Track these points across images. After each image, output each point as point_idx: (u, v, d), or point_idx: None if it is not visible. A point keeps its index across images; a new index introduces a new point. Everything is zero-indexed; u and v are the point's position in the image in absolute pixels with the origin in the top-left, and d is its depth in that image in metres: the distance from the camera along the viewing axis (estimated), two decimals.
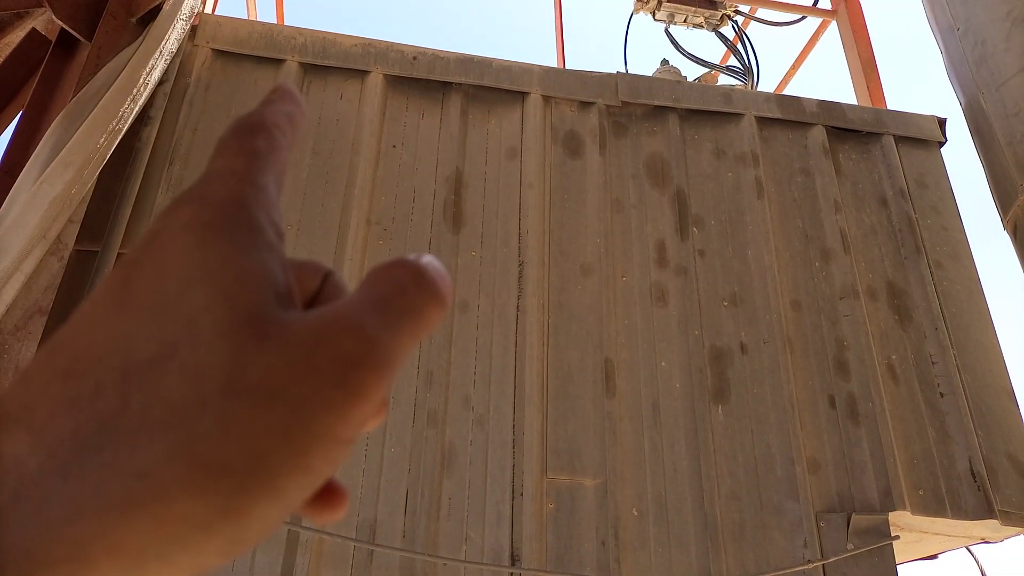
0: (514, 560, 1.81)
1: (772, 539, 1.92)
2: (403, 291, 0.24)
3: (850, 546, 1.90)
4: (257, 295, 0.22)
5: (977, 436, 2.11)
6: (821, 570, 1.88)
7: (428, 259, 0.26)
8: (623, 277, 2.29)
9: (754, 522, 1.94)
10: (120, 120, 2.03)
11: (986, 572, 2.50)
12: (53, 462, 0.20)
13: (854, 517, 1.93)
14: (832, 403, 2.14)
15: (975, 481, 2.03)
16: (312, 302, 0.30)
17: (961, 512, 1.99)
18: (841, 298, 2.30)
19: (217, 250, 0.23)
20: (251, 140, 0.27)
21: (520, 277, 2.21)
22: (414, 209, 2.26)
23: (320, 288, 0.30)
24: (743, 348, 2.20)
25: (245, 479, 0.20)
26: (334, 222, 2.19)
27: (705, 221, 2.42)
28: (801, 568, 1.87)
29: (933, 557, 2.49)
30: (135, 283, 0.22)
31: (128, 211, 2.09)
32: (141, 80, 2.08)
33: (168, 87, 2.28)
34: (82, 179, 1.94)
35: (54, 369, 0.21)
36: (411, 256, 0.26)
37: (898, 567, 2.60)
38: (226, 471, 0.20)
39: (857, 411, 2.12)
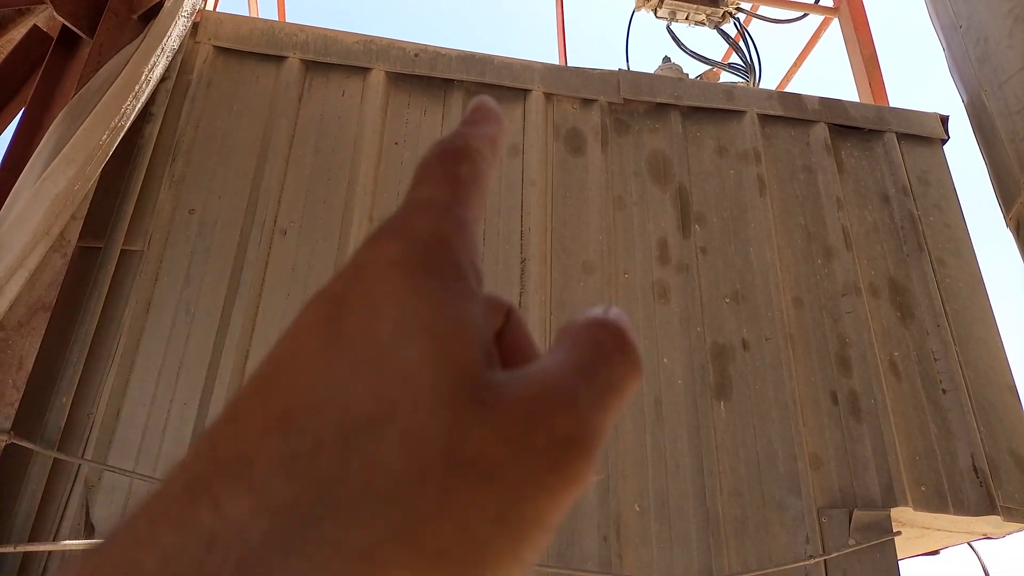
0: None
1: (774, 535, 1.93)
2: (607, 359, 0.23)
3: (852, 542, 1.90)
4: (470, 353, 0.21)
5: (979, 432, 2.11)
6: (823, 566, 1.88)
7: (623, 317, 0.25)
8: (625, 274, 2.29)
9: (756, 518, 1.95)
10: (122, 117, 2.03)
11: (988, 568, 2.50)
12: (277, 532, 0.18)
13: (856, 513, 1.94)
14: (834, 399, 2.14)
15: (977, 477, 2.03)
16: (497, 341, 0.28)
17: (963, 508, 1.99)
18: (843, 295, 2.31)
19: (429, 297, 0.21)
20: (455, 167, 0.26)
21: (522, 274, 2.21)
22: None
23: (503, 326, 0.29)
24: (745, 345, 2.20)
25: (463, 568, 0.18)
26: (336, 219, 2.19)
27: (707, 218, 2.42)
28: (803, 564, 1.87)
29: (935, 553, 2.49)
30: (345, 322, 0.21)
31: (131, 208, 2.09)
32: (143, 77, 2.08)
33: (170, 84, 2.28)
34: (85, 176, 1.95)
35: (268, 415, 0.20)
36: (608, 312, 0.24)
37: (900, 563, 2.61)
38: (446, 557, 0.18)
39: (859, 407, 2.12)
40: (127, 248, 2.06)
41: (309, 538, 0.18)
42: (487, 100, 0.32)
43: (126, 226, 2.07)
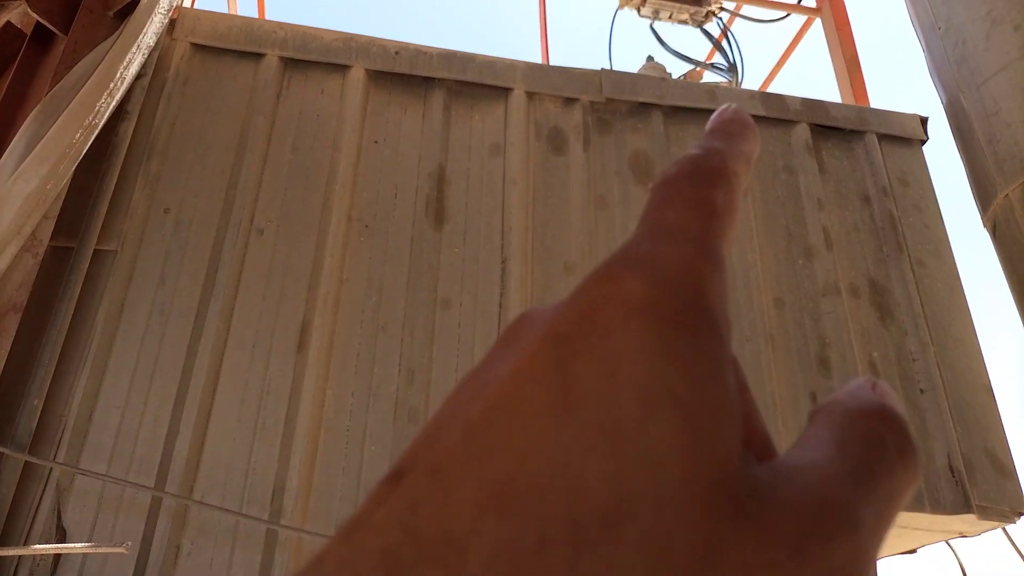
0: None
1: None
2: (891, 466, 0.19)
3: None
4: (729, 442, 0.17)
5: (956, 432, 2.12)
6: None
7: (894, 399, 0.21)
8: None
9: None
10: (96, 115, 2.00)
11: (964, 566, 2.52)
12: None
13: None
14: (814, 400, 2.15)
15: (953, 476, 2.05)
16: None
17: (939, 507, 2.00)
18: (824, 295, 2.31)
19: (681, 361, 0.17)
20: (710, 191, 0.22)
21: (503, 274, 2.20)
22: (396, 205, 2.24)
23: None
24: None
25: None
26: (314, 219, 2.17)
27: None
28: None
29: (912, 552, 2.51)
30: (576, 378, 0.17)
31: (104, 207, 2.06)
32: (118, 74, 2.05)
33: (146, 81, 2.25)
34: (58, 174, 1.92)
35: (484, 487, 0.16)
36: (879, 392, 0.21)
37: (879, 562, 2.63)
38: None
39: None
40: (100, 248, 2.03)
41: None
42: (742, 111, 0.27)
43: (99, 226, 2.04)
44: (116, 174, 2.11)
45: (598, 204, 2.39)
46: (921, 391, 2.20)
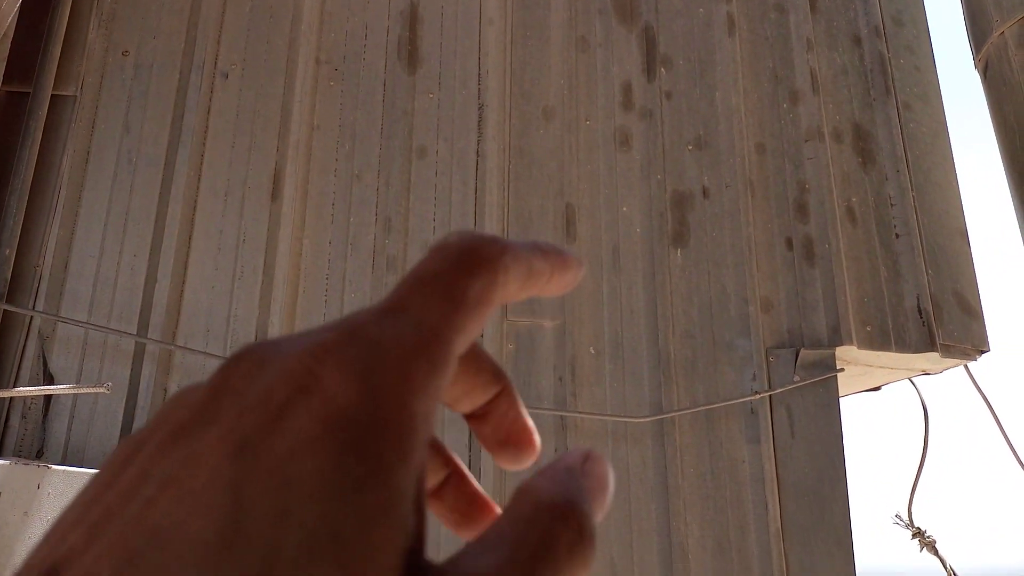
0: None
1: (722, 373, 2.00)
2: (556, 569, 0.19)
3: (796, 378, 1.99)
4: None
5: (927, 275, 2.16)
6: (767, 400, 1.98)
7: (596, 484, 0.22)
8: (587, 121, 2.22)
9: (706, 358, 2.02)
10: None
11: (925, 401, 2.65)
12: None
13: (802, 352, 2.01)
14: (789, 245, 2.16)
15: (920, 317, 2.11)
16: (440, 494, 0.27)
17: (905, 346, 2.07)
18: (806, 140, 2.27)
19: (357, 506, 0.17)
20: (469, 281, 0.21)
21: (480, 121, 2.14)
22: (366, 47, 2.14)
23: (447, 479, 0.27)
24: (705, 192, 2.19)
25: None
26: (280, 61, 2.07)
27: (673, 61, 2.32)
28: (748, 399, 1.96)
29: (877, 389, 2.63)
30: (248, 512, 0.16)
31: (57, 49, 1.95)
32: None
33: None
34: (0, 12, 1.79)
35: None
36: (589, 485, 0.21)
37: (843, 399, 2.76)
38: None
39: (813, 253, 2.15)
40: (58, 93, 1.94)
41: None
42: (565, 251, 0.27)
43: (54, 69, 1.94)
44: (66, 13, 1.98)
45: (579, 45, 2.29)
46: (896, 235, 2.21)
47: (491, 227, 2.04)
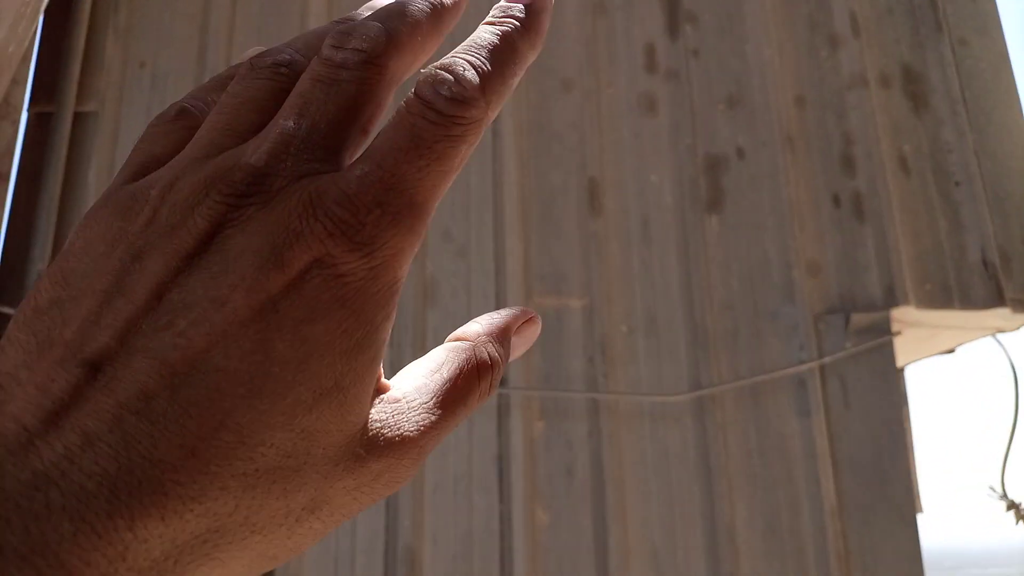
0: (501, 382, 1.82)
1: (767, 344, 1.89)
2: (465, 408, 0.25)
3: (848, 345, 1.85)
4: (364, 416, 0.22)
5: (992, 224, 1.97)
6: (817, 371, 1.85)
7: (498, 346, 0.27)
8: (608, 88, 2.13)
9: (748, 329, 1.90)
10: None
11: (1013, 359, 2.44)
12: None
13: (853, 316, 1.87)
14: (836, 202, 2.02)
15: (987, 270, 1.93)
16: None
17: (969, 303, 1.90)
18: (849, 88, 2.11)
19: (353, 365, 0.21)
20: (457, 148, 0.23)
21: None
22: None
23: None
24: (740, 153, 2.06)
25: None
26: None
27: (699, 16, 2.19)
28: (796, 369, 1.84)
29: (951, 351, 2.44)
30: (276, 360, 0.20)
31: (77, 67, 1.99)
32: None
33: None
34: (17, 36, 1.84)
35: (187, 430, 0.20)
36: (490, 352, 0.26)
37: (914, 364, 2.57)
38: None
39: (863, 209, 1.99)
40: (81, 110, 1.99)
41: None
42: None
43: (75, 87, 1.98)
44: (84, 30, 2.02)
45: (596, 9, 2.18)
46: (956, 184, 2.03)
47: (511, 207, 1.97)
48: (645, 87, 2.12)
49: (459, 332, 0.27)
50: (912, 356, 2.45)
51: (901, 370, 2.64)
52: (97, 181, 1.93)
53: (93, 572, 0.16)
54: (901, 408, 1.81)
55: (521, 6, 0.26)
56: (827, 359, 1.84)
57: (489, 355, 0.26)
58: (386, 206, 0.21)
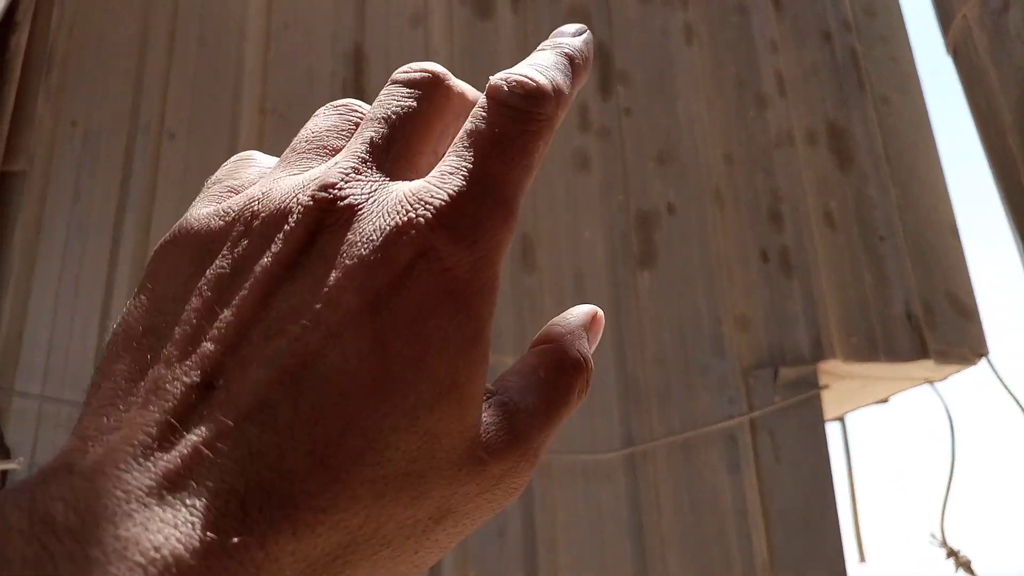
0: None
1: (697, 398, 1.90)
2: (568, 406, 0.25)
3: (777, 399, 1.87)
4: (479, 416, 0.22)
5: (915, 276, 2.02)
6: (747, 425, 1.86)
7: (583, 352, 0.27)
8: None
9: (679, 383, 1.91)
10: None
11: (948, 407, 2.48)
12: None
13: (782, 370, 1.89)
14: (764, 257, 2.05)
15: (910, 323, 1.97)
16: None
17: (895, 355, 1.94)
18: (776, 146, 2.17)
19: (468, 362, 0.21)
20: (535, 143, 0.25)
21: None
22: (312, 91, 2.12)
23: None
24: (671, 209, 2.10)
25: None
26: (226, 115, 2.06)
27: (630, 76, 2.25)
28: (727, 424, 1.85)
29: (884, 401, 2.47)
30: (393, 359, 0.20)
31: (6, 126, 1.98)
32: None
33: None
34: None
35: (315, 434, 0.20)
36: (587, 350, 0.27)
37: (851, 414, 2.60)
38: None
39: (790, 263, 2.03)
40: (8, 170, 1.97)
41: None
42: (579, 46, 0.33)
43: (3, 147, 1.96)
44: (14, 90, 2.01)
45: None
46: (881, 238, 2.08)
47: None
48: (578, 144, 2.16)
49: (542, 335, 0.27)
50: (847, 406, 2.48)
51: (842, 418, 2.67)
52: (23, 243, 1.91)
53: None
54: (829, 461, 1.82)
55: (572, 33, 0.30)
56: (757, 413, 1.85)
57: (580, 354, 0.26)
58: (480, 200, 0.22)
